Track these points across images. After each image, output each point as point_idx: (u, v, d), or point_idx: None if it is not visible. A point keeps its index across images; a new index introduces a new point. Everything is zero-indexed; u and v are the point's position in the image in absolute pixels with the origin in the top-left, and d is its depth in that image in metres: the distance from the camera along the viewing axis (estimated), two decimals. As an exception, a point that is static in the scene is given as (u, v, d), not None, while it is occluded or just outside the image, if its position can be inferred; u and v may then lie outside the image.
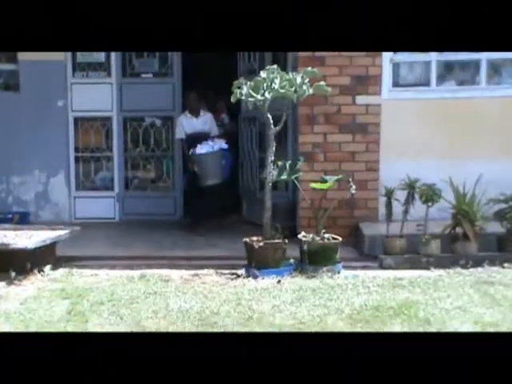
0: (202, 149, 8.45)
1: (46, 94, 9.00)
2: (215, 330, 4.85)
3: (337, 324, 4.87)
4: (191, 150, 8.49)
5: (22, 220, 8.67)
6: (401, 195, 6.65)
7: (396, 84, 7.59)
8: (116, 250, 7.55)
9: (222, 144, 8.66)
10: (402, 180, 6.61)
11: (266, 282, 6.09)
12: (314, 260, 6.30)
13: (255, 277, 6.20)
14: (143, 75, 9.38)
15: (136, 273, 6.50)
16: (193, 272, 6.54)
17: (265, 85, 6.27)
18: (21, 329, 4.89)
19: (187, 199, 9.14)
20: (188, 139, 8.66)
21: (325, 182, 6.66)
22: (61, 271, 6.62)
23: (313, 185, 6.68)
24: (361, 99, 7.38)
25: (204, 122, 8.78)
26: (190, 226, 8.62)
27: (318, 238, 6.43)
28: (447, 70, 7.74)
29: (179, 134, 8.77)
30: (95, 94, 8.99)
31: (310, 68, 6.39)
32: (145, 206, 9.19)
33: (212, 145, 8.55)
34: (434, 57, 7.53)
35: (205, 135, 8.66)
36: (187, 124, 8.72)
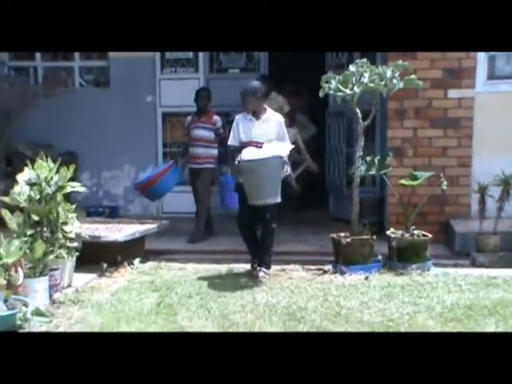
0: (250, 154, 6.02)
1: (135, 89, 9.22)
2: (302, 325, 4.88)
3: (427, 322, 4.81)
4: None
5: (112, 214, 8.92)
6: (494, 191, 6.49)
7: (491, 76, 7.39)
8: (202, 244, 7.68)
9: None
10: (496, 176, 6.45)
11: (354, 278, 6.08)
12: (403, 257, 6.23)
13: (342, 273, 6.19)
14: (230, 71, 9.50)
15: (223, 267, 6.61)
16: (279, 267, 6.57)
17: (354, 79, 6.24)
18: (112, 320, 5.05)
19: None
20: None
21: (415, 177, 6.58)
22: (149, 264, 6.79)
23: (402, 181, 6.61)
24: (453, 93, 7.22)
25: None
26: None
27: (407, 235, 6.36)
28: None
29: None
30: (183, 89, 9.12)
31: (400, 61, 6.31)
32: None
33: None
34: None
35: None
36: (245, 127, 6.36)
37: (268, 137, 6.14)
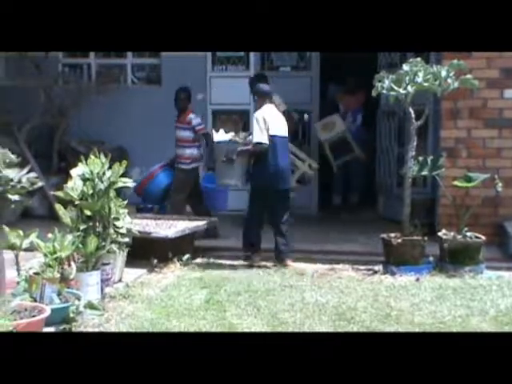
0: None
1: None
2: (352, 325, 4.85)
3: (480, 325, 4.74)
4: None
5: (162, 210, 8.96)
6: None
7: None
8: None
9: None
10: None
11: (404, 279, 6.02)
12: (455, 259, 6.15)
13: (393, 273, 6.13)
14: (281, 69, 9.48)
15: (272, 265, 6.60)
16: (328, 266, 6.55)
17: (407, 78, 6.17)
18: (162, 315, 5.09)
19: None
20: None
21: (469, 179, 6.47)
22: (199, 261, 6.82)
23: (457, 183, 6.52)
24: (510, 93, 7.09)
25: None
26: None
27: (459, 237, 6.27)
28: None
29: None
30: (233, 87, 9.14)
31: (455, 61, 6.21)
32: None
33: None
34: None
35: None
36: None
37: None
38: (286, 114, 7.35)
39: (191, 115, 7.94)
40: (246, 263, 6.76)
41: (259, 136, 6.63)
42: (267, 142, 6.60)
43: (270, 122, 6.64)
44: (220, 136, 7.42)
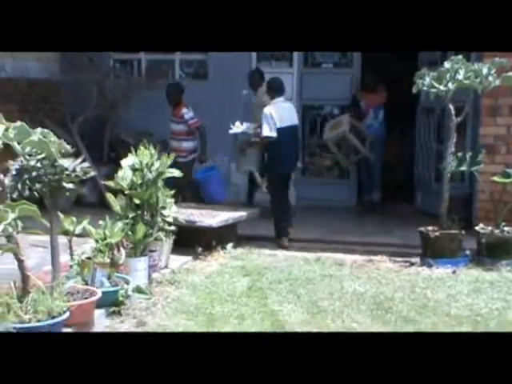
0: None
1: (232, 82, 9.23)
2: (390, 315, 4.80)
3: (517, 319, 4.65)
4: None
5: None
6: None
7: None
8: (292, 232, 7.60)
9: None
10: None
11: (441, 271, 5.94)
12: (492, 253, 6.05)
13: (430, 266, 6.06)
14: (324, 65, 9.41)
15: (311, 255, 6.59)
16: (366, 257, 6.51)
17: (448, 75, 6.07)
18: (207, 301, 5.10)
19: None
20: None
21: (508, 175, 6.36)
22: (241, 250, 6.83)
23: (495, 179, 6.41)
24: (551, 91, 6.92)
25: None
26: None
27: (497, 231, 6.16)
28: None
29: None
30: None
31: (497, 58, 6.08)
32: (319, 192, 9.21)
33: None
34: None
35: None
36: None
37: None
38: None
39: (184, 109, 8.07)
40: (286, 252, 6.75)
41: (267, 131, 7.14)
42: (275, 135, 7.13)
43: (276, 117, 7.14)
44: (235, 128, 7.89)
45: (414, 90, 6.37)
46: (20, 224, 3.74)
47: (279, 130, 7.14)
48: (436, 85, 6.11)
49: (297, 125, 7.56)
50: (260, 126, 7.39)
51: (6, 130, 3.91)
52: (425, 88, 6.24)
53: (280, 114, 7.19)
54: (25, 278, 4.06)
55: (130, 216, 5.59)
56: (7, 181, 4.11)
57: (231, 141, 8.67)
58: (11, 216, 3.61)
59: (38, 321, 3.88)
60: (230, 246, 6.77)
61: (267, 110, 7.19)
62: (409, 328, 4.52)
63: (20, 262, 4.02)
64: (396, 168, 9.84)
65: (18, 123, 3.98)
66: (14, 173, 4.29)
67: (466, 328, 4.51)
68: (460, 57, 6.14)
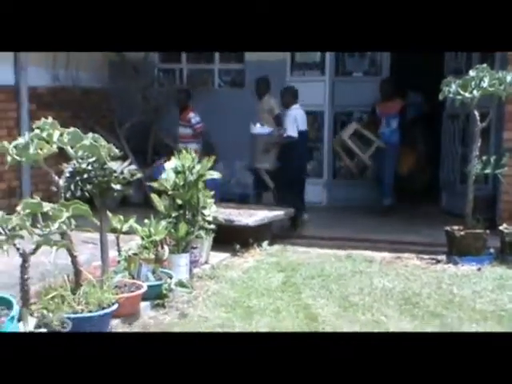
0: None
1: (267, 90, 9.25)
2: (417, 309, 4.78)
3: (539, 314, 4.59)
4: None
5: (243, 200, 9.00)
6: None
7: None
8: (324, 231, 7.64)
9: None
10: None
11: (466, 268, 5.90)
12: (516, 251, 5.98)
13: (455, 263, 6.03)
14: (354, 74, 9.38)
15: (343, 253, 6.58)
16: (395, 255, 6.48)
17: (473, 83, 6.02)
18: (244, 294, 5.14)
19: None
20: None
21: (531, 177, 6.29)
22: (276, 247, 6.86)
23: (518, 180, 6.34)
24: None
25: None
26: None
27: (520, 231, 6.09)
28: None
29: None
30: (310, 90, 9.07)
31: (520, 66, 6.03)
32: (350, 193, 9.18)
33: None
34: None
35: None
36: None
37: None
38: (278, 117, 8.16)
39: (191, 114, 8.29)
40: (319, 249, 6.75)
41: (292, 131, 7.71)
42: (296, 135, 7.72)
43: (299, 120, 7.78)
44: (258, 129, 8.13)
45: (441, 97, 6.32)
46: (73, 222, 3.81)
47: (299, 132, 7.75)
48: (461, 92, 6.06)
49: (307, 130, 8.09)
50: (283, 129, 7.87)
51: (61, 135, 4.00)
52: (451, 95, 6.20)
53: (301, 118, 7.84)
54: (77, 272, 4.16)
55: (173, 215, 5.65)
56: (61, 182, 4.19)
57: (248, 139, 8.64)
58: (65, 215, 3.68)
59: (90, 311, 3.97)
60: (265, 243, 6.80)
61: (292, 113, 7.77)
62: (436, 322, 4.51)
63: (73, 257, 4.11)
64: (415, 174, 9.70)
65: (72, 129, 4.07)
66: (67, 175, 4.38)
67: (490, 322, 4.48)
68: (485, 65, 6.09)
